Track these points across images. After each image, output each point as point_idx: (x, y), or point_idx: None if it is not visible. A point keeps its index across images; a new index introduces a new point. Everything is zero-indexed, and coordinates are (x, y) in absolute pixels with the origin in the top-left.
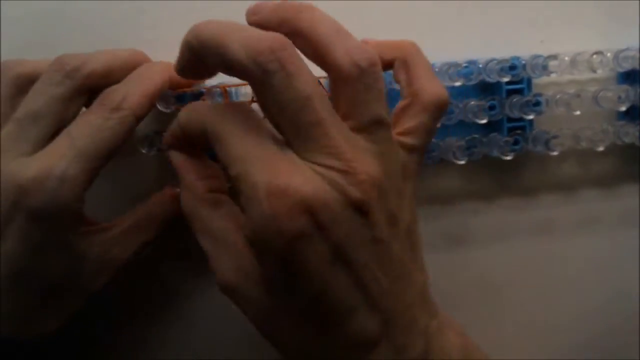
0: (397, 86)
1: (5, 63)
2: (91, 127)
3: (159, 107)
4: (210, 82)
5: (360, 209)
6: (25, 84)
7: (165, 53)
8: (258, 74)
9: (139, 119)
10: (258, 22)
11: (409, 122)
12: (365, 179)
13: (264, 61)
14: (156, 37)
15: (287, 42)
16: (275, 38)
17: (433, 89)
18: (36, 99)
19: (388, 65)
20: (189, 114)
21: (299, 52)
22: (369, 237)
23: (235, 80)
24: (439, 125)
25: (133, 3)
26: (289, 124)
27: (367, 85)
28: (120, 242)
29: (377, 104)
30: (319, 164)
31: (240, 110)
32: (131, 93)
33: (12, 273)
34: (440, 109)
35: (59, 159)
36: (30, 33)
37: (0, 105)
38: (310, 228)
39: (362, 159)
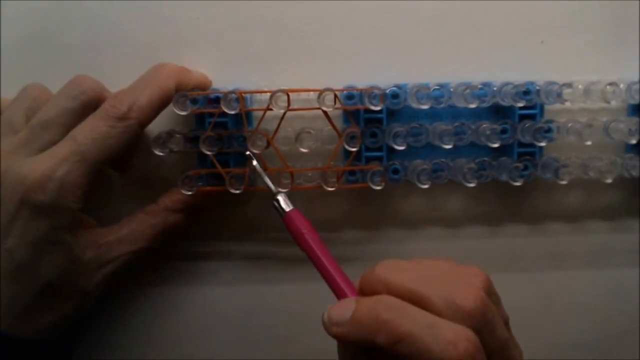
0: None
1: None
2: (96, 133)
3: (176, 110)
4: (226, 86)
5: None
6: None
7: (164, 53)
8: None
9: (144, 126)
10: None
11: None
12: None
13: None
14: (156, 35)
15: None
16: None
17: None
18: (49, 110)
19: None
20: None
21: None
22: None
23: (251, 86)
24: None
25: (134, 3)
26: None
27: None
28: (115, 248)
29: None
30: None
31: None
32: (138, 102)
33: (13, 268)
34: None
35: (61, 162)
36: (30, 31)
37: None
38: None
39: None
